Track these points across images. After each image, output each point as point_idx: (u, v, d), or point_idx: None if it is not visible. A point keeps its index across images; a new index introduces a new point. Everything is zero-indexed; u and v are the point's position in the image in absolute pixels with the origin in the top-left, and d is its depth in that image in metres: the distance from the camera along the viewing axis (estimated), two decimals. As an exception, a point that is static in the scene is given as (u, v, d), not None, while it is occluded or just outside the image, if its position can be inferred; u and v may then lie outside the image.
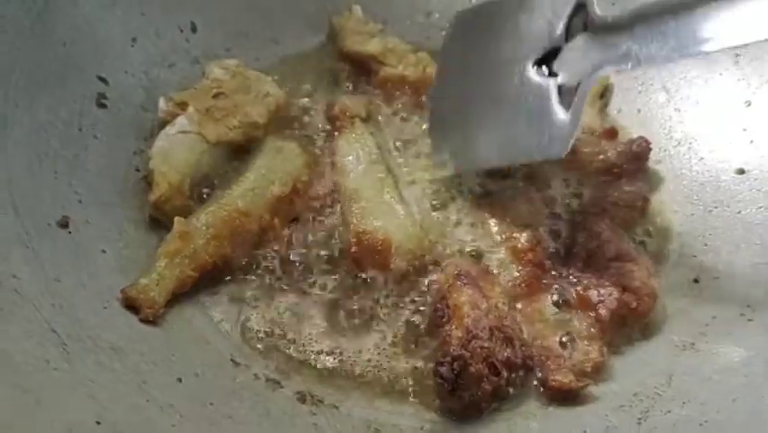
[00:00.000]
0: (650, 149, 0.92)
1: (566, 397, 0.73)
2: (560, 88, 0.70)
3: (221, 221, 0.80)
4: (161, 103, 0.90)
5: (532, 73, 0.73)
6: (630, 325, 0.79)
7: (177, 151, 0.85)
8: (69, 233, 0.75)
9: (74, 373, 0.61)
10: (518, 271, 0.81)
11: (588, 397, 0.73)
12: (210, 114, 0.89)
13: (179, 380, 0.68)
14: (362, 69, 1.03)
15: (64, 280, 0.70)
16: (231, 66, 0.95)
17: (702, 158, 0.94)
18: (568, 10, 0.73)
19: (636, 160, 0.92)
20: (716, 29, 0.63)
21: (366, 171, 0.86)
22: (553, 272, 0.81)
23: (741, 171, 0.90)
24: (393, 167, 0.88)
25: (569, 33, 0.72)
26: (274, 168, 0.87)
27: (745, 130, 0.92)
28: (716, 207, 0.89)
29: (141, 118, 0.89)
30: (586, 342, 0.76)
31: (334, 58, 1.05)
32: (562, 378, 0.73)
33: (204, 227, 0.79)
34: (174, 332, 0.74)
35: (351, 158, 0.89)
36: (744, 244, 0.85)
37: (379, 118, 0.97)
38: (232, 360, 0.74)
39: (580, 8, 0.73)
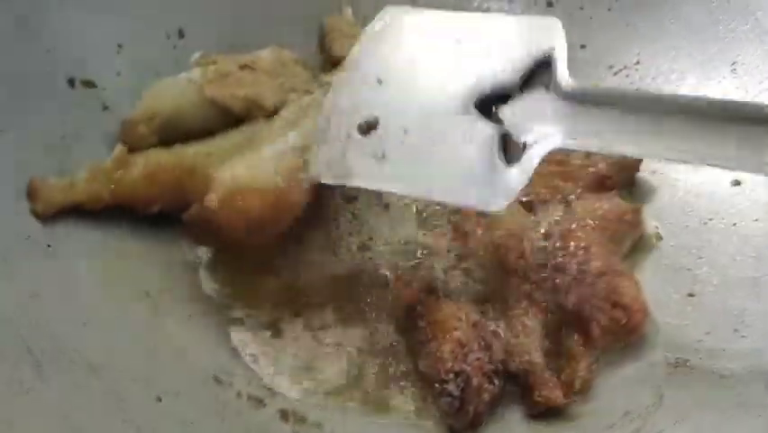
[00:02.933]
0: (641, 159, 0.91)
1: (551, 414, 0.72)
2: (503, 137, 0.63)
3: (162, 167, 0.80)
4: (196, 54, 0.92)
5: (474, 113, 0.65)
6: (620, 341, 0.77)
7: (170, 89, 0.86)
8: (49, 246, 0.74)
9: (49, 394, 0.60)
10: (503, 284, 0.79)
11: (576, 416, 0.72)
12: (225, 78, 0.88)
13: (159, 399, 0.66)
14: None
15: (42, 296, 0.69)
16: (285, 54, 0.94)
17: (697, 169, 0.91)
18: (529, 61, 0.66)
19: (627, 170, 0.90)
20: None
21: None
22: (539, 286, 0.79)
23: (737, 183, 0.88)
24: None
25: (526, 85, 0.64)
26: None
27: (741, 139, 0.91)
28: (711, 219, 0.87)
29: (126, 127, 0.87)
30: (574, 358, 0.75)
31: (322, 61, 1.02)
32: (549, 394, 0.71)
33: (143, 164, 0.80)
34: (156, 348, 0.72)
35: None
36: (739, 256, 0.83)
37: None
38: (215, 377, 0.72)
39: (545, 66, 0.66)
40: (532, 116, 0.64)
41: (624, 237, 0.85)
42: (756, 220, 0.84)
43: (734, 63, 0.95)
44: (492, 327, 0.76)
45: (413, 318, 0.75)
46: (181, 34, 0.98)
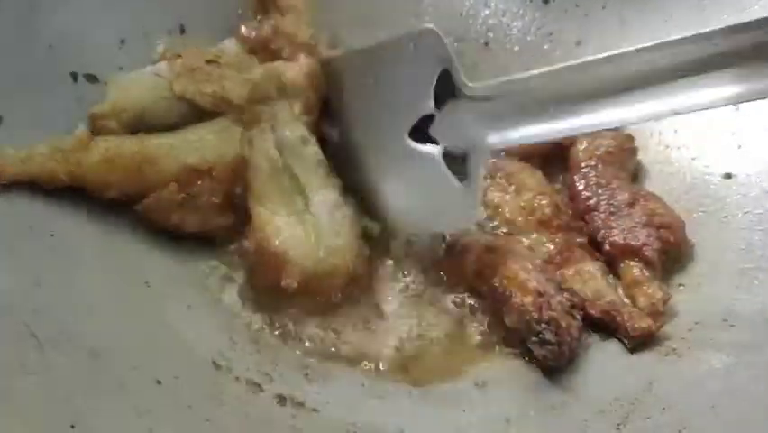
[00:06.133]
0: None
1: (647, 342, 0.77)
2: (446, 156, 0.71)
3: (123, 153, 0.80)
4: (160, 47, 0.92)
5: (411, 142, 0.73)
6: (671, 258, 0.82)
7: (139, 85, 0.86)
8: (52, 235, 0.75)
9: (51, 378, 0.61)
10: (552, 243, 0.83)
11: (566, 401, 0.74)
12: (192, 73, 0.88)
13: (159, 382, 0.68)
14: None
15: (45, 284, 0.70)
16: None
17: (690, 162, 0.93)
18: (433, 78, 0.72)
19: None
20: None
21: (270, 177, 0.82)
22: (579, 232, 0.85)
23: (728, 176, 0.89)
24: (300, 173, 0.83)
25: (438, 101, 0.71)
26: (206, 141, 0.84)
27: (733, 134, 0.92)
28: (702, 212, 0.89)
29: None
30: (645, 286, 0.79)
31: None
32: (641, 323, 0.76)
33: (104, 148, 0.80)
34: (156, 334, 0.74)
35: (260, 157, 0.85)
36: (729, 248, 0.84)
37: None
38: (213, 363, 0.73)
39: (447, 75, 0.71)
40: (457, 127, 0.70)
41: (628, 165, 0.91)
42: (747, 212, 0.86)
43: (726, 60, 0.96)
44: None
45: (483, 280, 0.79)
46: (182, 30, 0.99)
